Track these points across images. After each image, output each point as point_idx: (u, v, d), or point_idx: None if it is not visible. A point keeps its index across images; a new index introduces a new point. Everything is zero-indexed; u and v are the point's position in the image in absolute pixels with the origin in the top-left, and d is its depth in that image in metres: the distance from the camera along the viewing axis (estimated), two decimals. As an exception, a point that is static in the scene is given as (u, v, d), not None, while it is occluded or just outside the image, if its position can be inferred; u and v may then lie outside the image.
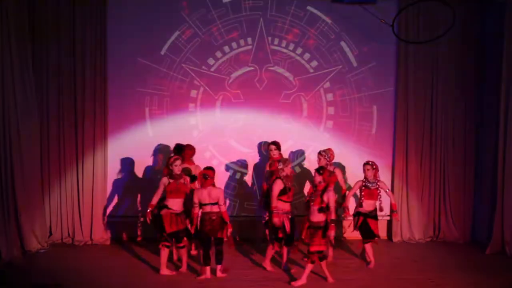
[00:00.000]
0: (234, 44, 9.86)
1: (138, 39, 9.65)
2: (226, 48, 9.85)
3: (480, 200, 9.94)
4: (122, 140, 9.74)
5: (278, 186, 8.01)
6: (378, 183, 8.47)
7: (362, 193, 8.44)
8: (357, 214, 8.50)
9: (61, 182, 9.51)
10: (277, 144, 8.83)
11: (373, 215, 8.48)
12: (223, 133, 9.86)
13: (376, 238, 8.57)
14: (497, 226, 9.21)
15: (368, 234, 8.45)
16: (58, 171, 9.49)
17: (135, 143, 9.75)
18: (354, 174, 9.83)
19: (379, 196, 8.47)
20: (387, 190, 8.65)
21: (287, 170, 8.05)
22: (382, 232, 10.18)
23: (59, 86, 9.41)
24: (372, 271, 8.35)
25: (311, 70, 9.97)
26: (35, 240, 9.00)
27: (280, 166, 8.05)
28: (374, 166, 8.48)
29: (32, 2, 9.16)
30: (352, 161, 9.94)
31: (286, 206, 8.08)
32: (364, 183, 8.45)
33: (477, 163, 10.03)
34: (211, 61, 9.84)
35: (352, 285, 7.79)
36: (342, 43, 9.96)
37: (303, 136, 9.97)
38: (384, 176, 10.03)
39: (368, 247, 8.48)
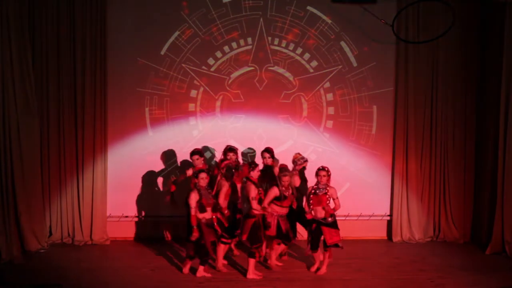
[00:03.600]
0: (234, 44, 9.86)
1: (138, 39, 9.66)
2: (226, 48, 9.85)
3: (480, 200, 9.92)
4: (122, 140, 9.74)
5: (273, 192, 8.05)
6: (328, 189, 8.10)
7: (311, 201, 8.10)
8: (310, 220, 8.15)
9: (61, 182, 9.51)
10: (270, 151, 8.80)
11: (327, 222, 8.05)
12: (223, 133, 9.87)
13: (330, 250, 8.16)
14: (497, 226, 9.20)
15: (315, 243, 8.12)
16: (58, 170, 9.48)
17: (135, 142, 9.76)
18: (354, 174, 9.87)
19: (327, 202, 8.10)
20: (335, 198, 8.20)
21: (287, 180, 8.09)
22: (382, 232, 10.22)
23: (58, 86, 9.40)
24: (372, 271, 8.35)
25: (311, 70, 9.97)
26: (35, 240, 9.00)
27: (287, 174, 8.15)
28: (329, 173, 8.14)
29: (32, 2, 9.16)
30: (352, 161, 9.95)
31: (282, 210, 8.12)
32: (313, 190, 8.13)
33: (477, 162, 10.01)
34: (211, 61, 9.84)
35: (352, 285, 7.80)
36: (342, 43, 9.96)
37: (303, 136, 9.97)
38: (384, 176, 10.07)
39: (316, 255, 8.20)
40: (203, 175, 7.99)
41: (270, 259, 8.31)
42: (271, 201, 8.06)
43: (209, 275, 7.99)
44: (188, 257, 8.08)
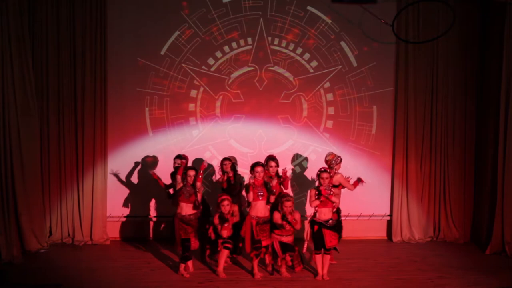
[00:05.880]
0: (234, 44, 9.86)
1: (138, 39, 9.66)
2: (226, 48, 9.85)
3: (480, 200, 9.93)
4: (122, 140, 9.74)
5: (275, 216, 7.98)
6: (332, 190, 7.99)
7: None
8: (312, 222, 8.05)
9: (61, 182, 9.50)
10: (275, 159, 8.60)
11: (330, 225, 7.96)
12: (223, 133, 9.87)
13: (332, 252, 8.09)
14: (497, 226, 9.21)
15: (319, 244, 7.93)
16: (58, 170, 9.48)
17: (135, 143, 9.76)
18: (354, 174, 9.85)
19: (333, 203, 8.02)
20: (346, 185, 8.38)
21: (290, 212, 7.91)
22: (382, 232, 10.22)
23: (58, 86, 9.41)
24: (372, 271, 8.36)
25: (311, 70, 9.97)
26: (35, 240, 9.00)
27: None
28: (331, 174, 8.11)
29: (32, 2, 9.16)
30: (352, 161, 9.94)
31: (282, 238, 8.04)
32: (317, 191, 7.96)
33: (477, 163, 10.02)
34: (211, 61, 9.84)
35: (352, 285, 7.81)
36: (342, 43, 9.96)
37: (303, 136, 9.97)
38: (384, 176, 10.07)
39: (318, 258, 7.99)
40: (191, 172, 8.02)
41: (281, 268, 8.16)
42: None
43: (187, 275, 7.99)
44: (181, 260, 8.08)
